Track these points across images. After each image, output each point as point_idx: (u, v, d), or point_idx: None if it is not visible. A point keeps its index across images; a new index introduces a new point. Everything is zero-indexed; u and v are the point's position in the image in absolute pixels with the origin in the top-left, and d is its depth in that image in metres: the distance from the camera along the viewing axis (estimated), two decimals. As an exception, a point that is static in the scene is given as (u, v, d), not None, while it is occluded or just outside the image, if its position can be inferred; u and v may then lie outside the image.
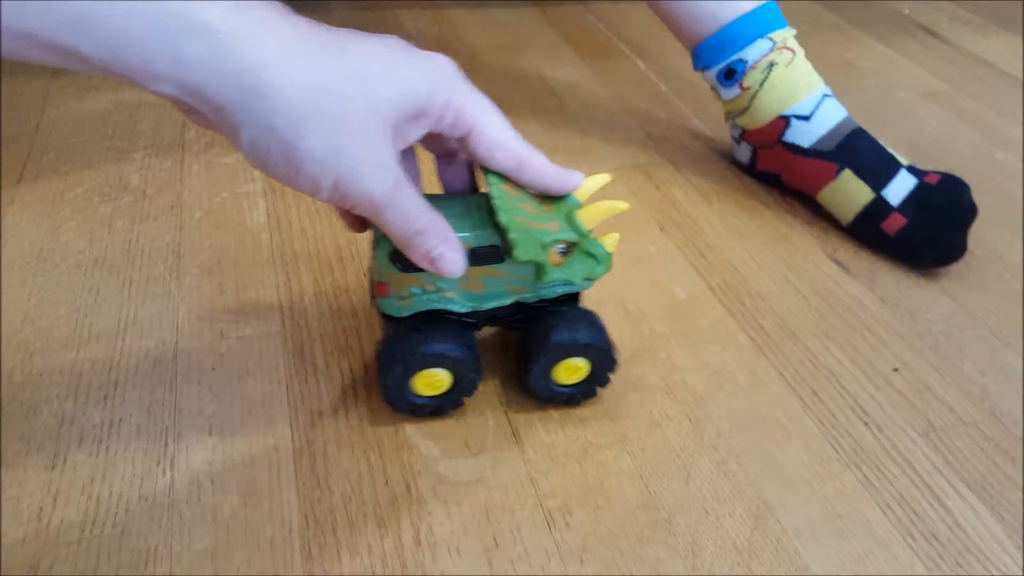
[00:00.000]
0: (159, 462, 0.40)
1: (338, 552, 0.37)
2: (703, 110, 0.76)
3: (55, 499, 0.38)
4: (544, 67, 0.81)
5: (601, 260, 0.41)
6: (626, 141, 0.70)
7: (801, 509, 0.40)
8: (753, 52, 0.59)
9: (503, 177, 0.37)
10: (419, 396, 0.41)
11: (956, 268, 0.58)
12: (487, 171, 0.37)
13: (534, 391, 0.43)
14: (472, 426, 0.43)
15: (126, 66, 0.27)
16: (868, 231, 0.57)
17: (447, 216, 0.36)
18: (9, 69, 0.73)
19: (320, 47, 0.30)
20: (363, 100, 0.30)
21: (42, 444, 0.40)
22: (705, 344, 0.49)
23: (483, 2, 0.94)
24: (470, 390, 0.42)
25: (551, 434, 0.43)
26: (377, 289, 0.40)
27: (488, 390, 0.45)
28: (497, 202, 0.36)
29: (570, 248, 0.39)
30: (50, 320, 0.47)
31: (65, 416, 0.42)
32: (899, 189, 0.56)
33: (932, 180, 0.57)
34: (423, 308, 0.40)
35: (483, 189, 0.40)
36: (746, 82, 0.59)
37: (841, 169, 0.58)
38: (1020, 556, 0.39)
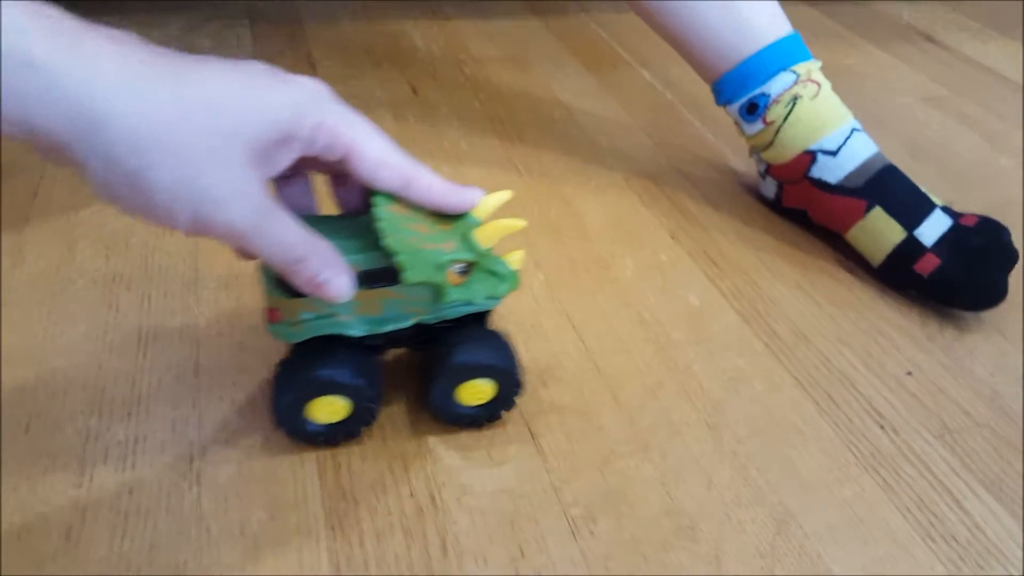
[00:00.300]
0: (185, 477, 0.40)
1: (365, 563, 0.37)
2: (709, 118, 0.77)
3: (83, 516, 0.38)
4: (550, 78, 0.82)
5: (505, 278, 0.40)
6: (634, 150, 0.71)
7: (821, 513, 0.41)
8: (776, 85, 0.57)
9: (393, 197, 0.36)
10: (315, 424, 0.40)
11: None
12: (374, 192, 0.36)
13: (435, 412, 0.42)
14: (493, 436, 0.43)
15: None
16: (900, 273, 0.55)
17: (338, 239, 0.35)
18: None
19: (164, 76, 0.29)
20: (214, 127, 0.29)
21: (68, 461, 0.40)
22: (721, 351, 0.50)
23: (488, 15, 0.95)
24: (368, 419, 0.41)
25: (572, 443, 0.43)
26: (268, 315, 0.38)
27: (507, 400, 0.45)
28: (382, 224, 0.35)
29: (470, 267, 0.39)
30: (71, 337, 0.48)
31: (90, 433, 0.42)
32: (933, 229, 0.54)
33: (969, 222, 0.55)
34: (316, 334, 0.39)
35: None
36: (769, 116, 0.58)
37: (871, 207, 0.55)
38: (1040, 556, 0.39)
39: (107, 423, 0.42)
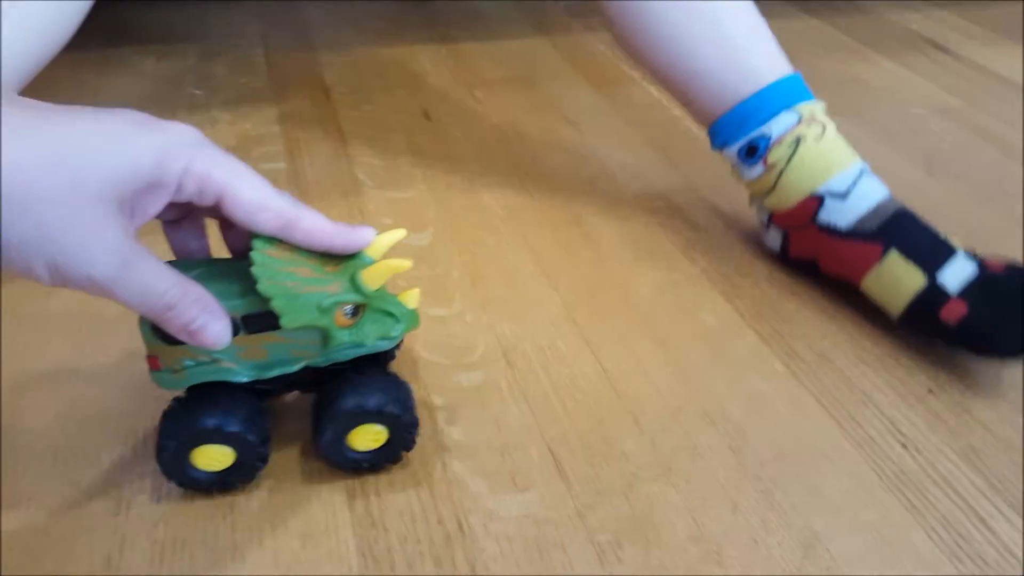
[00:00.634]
0: (218, 506, 0.40)
1: (396, 592, 0.37)
2: (720, 135, 0.77)
3: (122, 545, 0.39)
4: (558, 97, 0.83)
5: (401, 318, 0.39)
6: (644, 167, 0.72)
7: (848, 536, 0.41)
8: (777, 126, 0.54)
9: (271, 239, 0.35)
10: (199, 471, 0.40)
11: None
12: (255, 236, 0.35)
13: (325, 457, 0.41)
14: (517, 461, 0.44)
15: None
16: (924, 322, 0.50)
17: (221, 283, 0.35)
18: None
19: (20, 130, 0.29)
20: (71, 180, 0.29)
21: (106, 490, 0.41)
22: (741, 372, 0.50)
23: (495, 36, 0.96)
24: (252, 471, 0.40)
25: (595, 467, 0.43)
26: (149, 362, 0.38)
27: (526, 424, 0.46)
28: (256, 269, 0.35)
29: (360, 309, 0.38)
30: (101, 364, 0.48)
31: (124, 462, 0.43)
32: (957, 274, 0.50)
33: (995, 268, 0.51)
34: (199, 380, 0.38)
35: None
36: (771, 158, 0.54)
37: (887, 250, 0.51)
38: (1068, 577, 0.39)
39: (141, 452, 0.43)
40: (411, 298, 0.40)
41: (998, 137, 0.79)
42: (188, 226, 0.39)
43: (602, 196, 0.67)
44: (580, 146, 0.74)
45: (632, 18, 0.56)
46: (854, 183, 0.53)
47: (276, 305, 0.35)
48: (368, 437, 0.41)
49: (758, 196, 0.58)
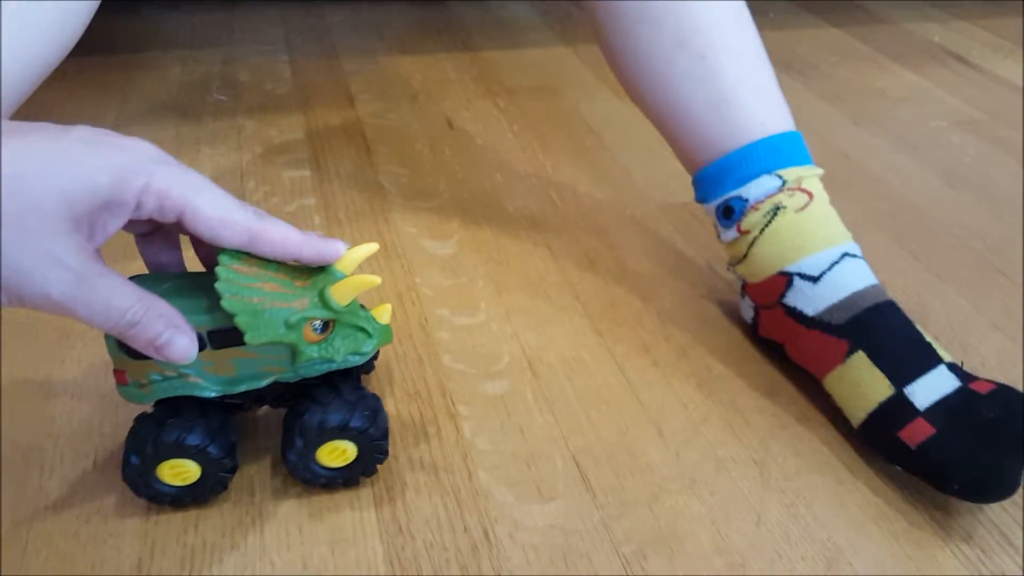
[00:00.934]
0: (248, 512, 0.41)
1: (423, 599, 0.38)
2: (741, 145, 0.77)
3: (152, 550, 0.39)
4: (581, 106, 0.83)
5: (373, 333, 0.39)
6: (668, 177, 0.72)
7: (871, 550, 0.41)
8: (756, 189, 0.48)
9: (239, 255, 0.35)
10: (166, 486, 0.40)
11: (1002, 298, 0.58)
12: (221, 250, 0.35)
13: (291, 472, 0.41)
14: (542, 471, 0.44)
15: None
16: (882, 439, 0.44)
17: (184, 298, 0.35)
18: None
19: None
20: (26, 200, 0.29)
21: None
22: (764, 384, 0.50)
23: (518, 45, 0.97)
24: (220, 484, 0.41)
25: (620, 478, 0.44)
26: (116, 377, 0.38)
27: (551, 434, 0.46)
28: (221, 285, 0.34)
29: (330, 324, 0.38)
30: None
31: (155, 468, 0.43)
32: (930, 389, 0.43)
33: (981, 388, 0.43)
34: (166, 395, 0.38)
35: None
36: (745, 224, 0.49)
37: (853, 350, 0.45)
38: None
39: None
40: (384, 313, 0.40)
41: (1020, 150, 0.79)
42: (161, 239, 0.39)
43: (625, 206, 0.68)
44: (603, 156, 0.75)
45: (623, 43, 0.51)
46: (831, 266, 0.47)
47: (240, 321, 0.35)
48: (336, 453, 0.40)
49: (732, 261, 0.53)
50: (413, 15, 1.04)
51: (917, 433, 0.42)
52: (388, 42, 0.95)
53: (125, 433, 0.39)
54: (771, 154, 0.49)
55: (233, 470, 0.41)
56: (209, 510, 0.41)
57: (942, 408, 0.42)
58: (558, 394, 0.49)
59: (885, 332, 0.45)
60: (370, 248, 0.38)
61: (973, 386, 0.43)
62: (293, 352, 0.38)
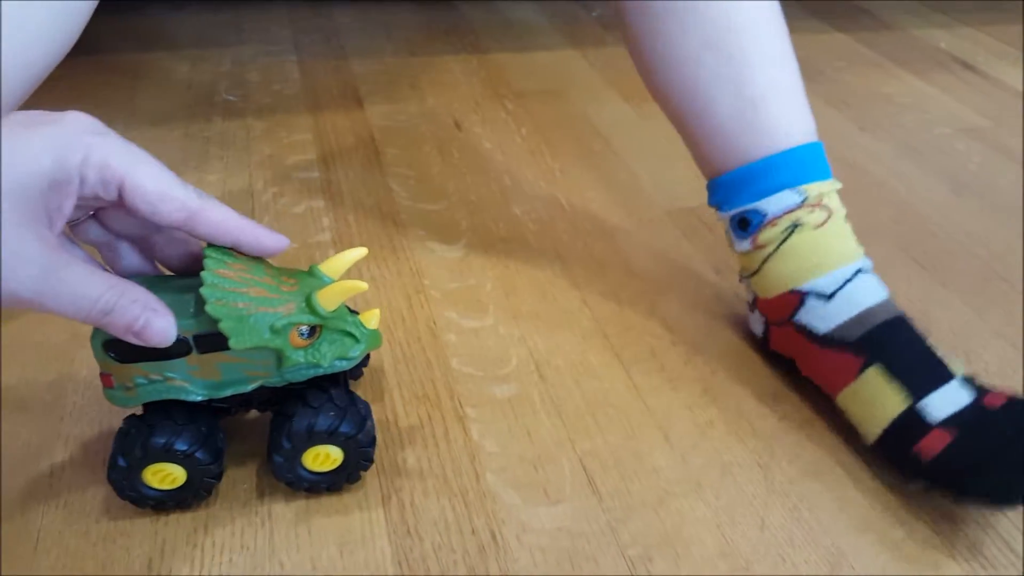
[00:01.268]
0: (257, 512, 0.42)
1: (431, 600, 0.38)
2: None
3: (162, 549, 0.40)
4: (589, 109, 0.84)
5: (361, 339, 0.39)
6: (674, 182, 0.72)
7: (873, 555, 0.41)
8: (775, 204, 0.47)
9: (225, 259, 0.35)
10: (152, 489, 0.40)
11: (1005, 306, 0.59)
12: (206, 254, 0.35)
13: (275, 474, 0.41)
14: (549, 474, 0.45)
15: None
16: (897, 454, 0.44)
17: (168, 301, 0.34)
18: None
19: None
20: None
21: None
22: (769, 389, 0.51)
23: (526, 48, 0.97)
24: (205, 489, 0.41)
25: (626, 482, 0.44)
26: (102, 380, 0.38)
27: (558, 437, 0.47)
28: (206, 290, 0.34)
29: (317, 329, 0.38)
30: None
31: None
32: (946, 402, 0.43)
33: (996, 401, 0.43)
34: (152, 399, 0.38)
35: None
36: (761, 238, 0.48)
37: (867, 365, 0.45)
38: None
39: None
40: (372, 318, 0.40)
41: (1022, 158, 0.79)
42: (127, 248, 0.38)
43: (633, 211, 0.68)
44: (611, 160, 0.75)
45: (651, 45, 0.51)
46: (844, 284, 0.47)
47: (224, 327, 0.35)
48: (322, 458, 0.40)
49: (744, 273, 0.52)
50: (421, 16, 1.04)
51: (934, 445, 0.42)
52: (396, 43, 0.96)
53: (137, 433, 0.39)
54: (793, 167, 0.48)
55: (219, 476, 0.41)
56: (219, 510, 0.42)
57: (957, 421, 0.42)
58: (565, 398, 0.49)
59: (898, 347, 0.45)
60: (357, 253, 0.38)
61: (987, 400, 0.43)
62: (279, 357, 0.38)
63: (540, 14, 1.07)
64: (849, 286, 0.47)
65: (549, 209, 0.67)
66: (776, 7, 0.50)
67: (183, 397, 0.38)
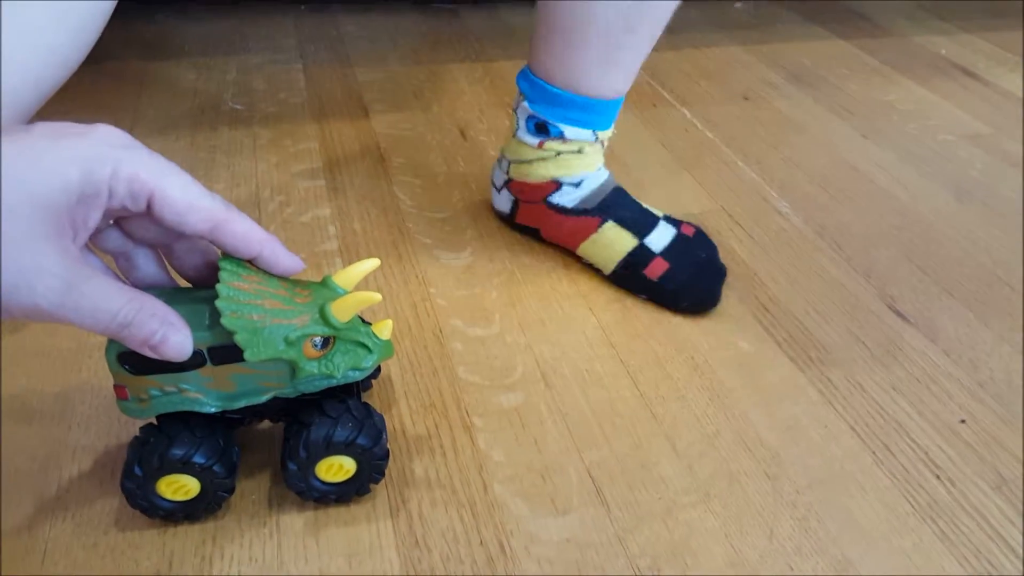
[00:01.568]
0: (265, 523, 0.42)
1: (440, 611, 0.38)
2: (752, 158, 0.78)
3: (170, 561, 0.40)
4: (592, 117, 0.84)
5: (374, 349, 0.39)
6: (678, 189, 0.72)
7: (881, 564, 0.41)
8: (575, 133, 0.58)
9: (240, 272, 0.36)
10: (164, 500, 0.40)
11: (1009, 312, 0.59)
12: (221, 267, 0.35)
13: (287, 482, 0.41)
14: (557, 484, 0.45)
15: None
16: (629, 277, 0.59)
17: (183, 313, 0.35)
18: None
19: None
20: None
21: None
22: (776, 399, 0.51)
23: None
24: (217, 502, 0.41)
25: (634, 492, 0.44)
26: (116, 392, 0.38)
27: (565, 447, 0.47)
28: (221, 303, 0.34)
29: (330, 340, 0.38)
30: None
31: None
32: (660, 238, 0.58)
33: (688, 231, 0.60)
34: (165, 411, 0.38)
35: None
36: (547, 146, 0.58)
37: (603, 222, 0.59)
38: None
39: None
40: (384, 329, 0.40)
41: (1028, 164, 0.79)
42: (142, 258, 0.38)
43: (634, 218, 0.68)
44: (615, 168, 0.75)
45: None
46: (587, 176, 0.60)
47: (240, 339, 0.35)
48: (336, 469, 0.41)
49: (511, 158, 0.61)
50: (426, 25, 1.04)
51: (657, 269, 0.58)
52: (401, 51, 0.96)
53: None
54: (605, 115, 0.58)
55: (232, 490, 0.41)
56: (227, 522, 0.42)
57: (671, 250, 0.58)
58: (572, 406, 0.49)
59: (622, 208, 0.60)
60: (371, 264, 0.39)
61: (683, 230, 0.60)
62: (293, 368, 0.38)
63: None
64: (590, 177, 0.60)
65: (554, 217, 0.67)
66: None
67: (197, 409, 0.38)
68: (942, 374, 0.54)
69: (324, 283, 0.39)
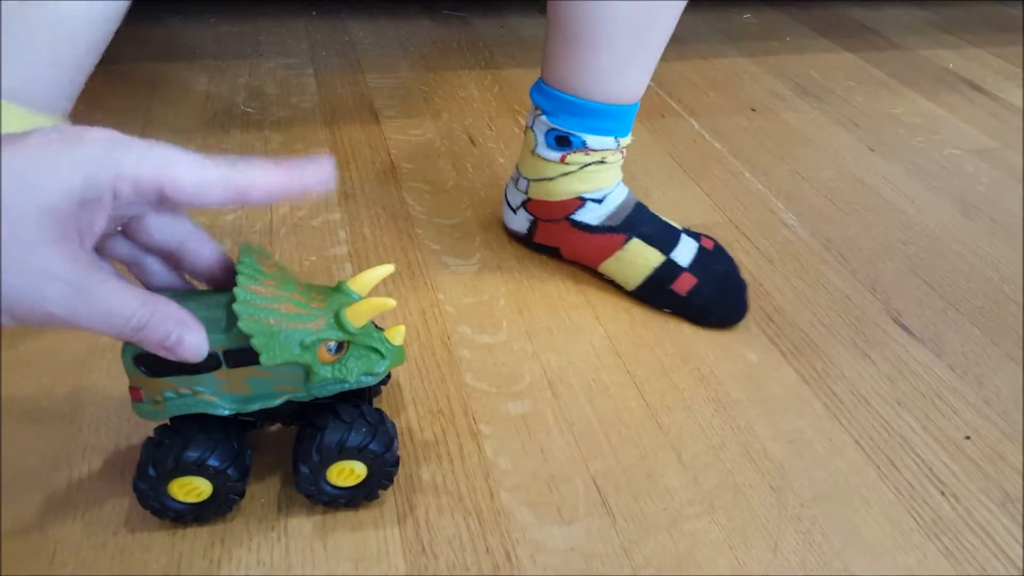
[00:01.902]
0: (273, 527, 0.42)
1: (446, 618, 0.39)
2: (760, 169, 0.78)
3: (178, 563, 0.40)
4: (600, 125, 0.84)
5: (386, 355, 0.39)
6: (685, 200, 0.73)
7: (886, 580, 0.42)
8: (597, 142, 0.57)
9: (257, 276, 0.36)
10: (176, 502, 0.40)
11: (1016, 328, 0.59)
12: (239, 270, 0.36)
13: (297, 486, 0.41)
14: (563, 493, 0.45)
15: None
16: (657, 292, 0.58)
17: (199, 316, 0.35)
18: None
19: None
20: (3, 219, 0.28)
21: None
22: (781, 411, 0.51)
23: (539, 64, 0.98)
24: (227, 505, 0.41)
25: (639, 502, 0.45)
26: (131, 394, 0.38)
27: (571, 456, 0.47)
28: (238, 307, 0.35)
29: (344, 345, 0.38)
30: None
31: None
32: (684, 252, 0.58)
33: (708, 244, 0.60)
34: (180, 412, 0.38)
35: None
36: (570, 159, 0.58)
37: (628, 239, 0.58)
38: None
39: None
40: (397, 335, 0.40)
41: (1035, 180, 0.79)
42: (151, 263, 0.38)
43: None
44: (622, 177, 0.76)
45: None
46: (609, 192, 0.60)
47: (256, 342, 0.35)
48: (347, 473, 0.41)
49: (530, 175, 0.60)
50: (436, 32, 1.05)
51: (685, 284, 0.58)
52: (411, 58, 0.97)
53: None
54: (624, 120, 0.58)
55: (243, 494, 0.41)
56: (235, 525, 0.42)
57: (696, 264, 0.58)
58: (578, 415, 0.50)
59: (647, 222, 0.60)
60: (385, 270, 0.39)
61: (703, 242, 0.60)
62: (307, 372, 0.38)
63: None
64: (612, 193, 0.60)
65: (562, 226, 0.68)
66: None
67: (211, 411, 0.38)
68: (947, 389, 0.54)
69: (339, 288, 0.39)
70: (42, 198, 0.29)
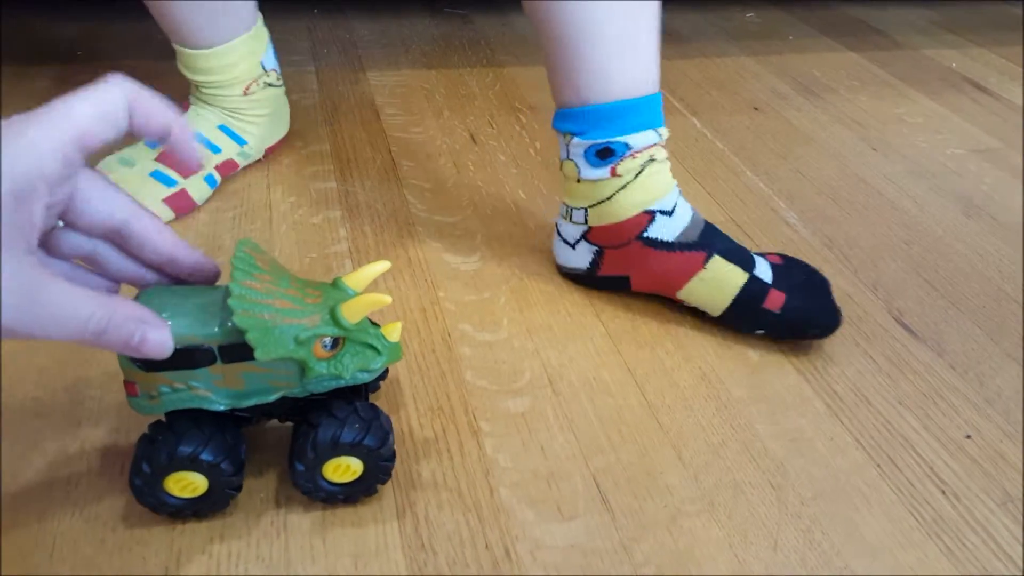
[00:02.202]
0: (272, 523, 0.42)
1: (445, 615, 0.38)
2: (761, 168, 0.78)
3: (178, 558, 0.40)
4: (602, 124, 0.84)
5: (383, 351, 0.39)
6: (687, 199, 0.72)
7: (886, 579, 0.42)
8: (640, 140, 0.53)
9: (252, 271, 0.36)
10: (172, 497, 0.40)
11: (1017, 328, 0.59)
12: (234, 265, 0.36)
13: (294, 482, 0.41)
14: (563, 490, 0.45)
15: None
16: (746, 313, 0.54)
17: (194, 311, 0.35)
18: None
19: None
20: None
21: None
22: (782, 410, 0.51)
23: (540, 62, 0.97)
24: (224, 500, 0.41)
25: (639, 500, 0.44)
26: (126, 388, 0.38)
27: (571, 453, 0.47)
28: (233, 301, 0.35)
29: (340, 341, 0.38)
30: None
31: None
32: (763, 269, 0.55)
33: (775, 260, 0.57)
34: (175, 408, 0.38)
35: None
36: (620, 168, 0.53)
37: (709, 257, 0.54)
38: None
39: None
40: (393, 331, 0.40)
41: (1037, 180, 0.79)
42: (107, 252, 0.36)
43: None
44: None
45: None
46: (675, 202, 0.56)
47: (251, 338, 0.35)
48: (343, 469, 0.41)
49: (587, 203, 0.56)
50: (438, 30, 1.05)
51: (776, 300, 0.54)
52: (413, 56, 0.97)
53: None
54: (655, 109, 0.54)
55: (239, 488, 0.41)
56: (235, 520, 0.42)
57: (778, 278, 0.55)
58: (578, 413, 0.50)
59: (721, 240, 0.56)
60: (381, 267, 0.39)
61: (769, 258, 0.57)
62: (302, 368, 0.38)
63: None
64: (679, 202, 0.56)
65: (563, 224, 0.68)
66: None
67: (206, 406, 0.38)
68: (948, 389, 0.54)
69: (335, 284, 0.39)
70: None
